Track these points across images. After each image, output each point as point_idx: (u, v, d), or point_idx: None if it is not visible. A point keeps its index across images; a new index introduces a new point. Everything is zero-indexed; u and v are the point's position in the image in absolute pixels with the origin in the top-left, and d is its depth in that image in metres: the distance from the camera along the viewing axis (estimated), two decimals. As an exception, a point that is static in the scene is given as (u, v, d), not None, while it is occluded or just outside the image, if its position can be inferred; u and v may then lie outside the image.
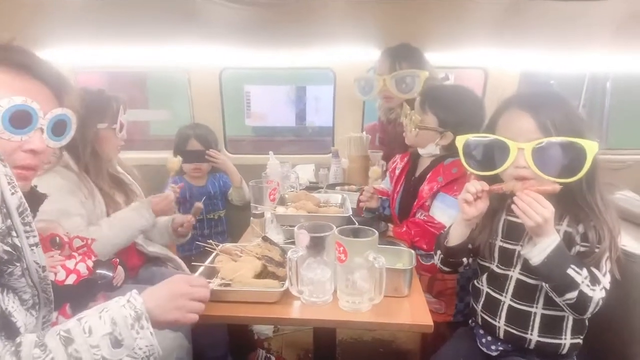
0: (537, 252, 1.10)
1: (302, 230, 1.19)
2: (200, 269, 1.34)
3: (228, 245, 1.50)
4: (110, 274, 1.19)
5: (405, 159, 1.91)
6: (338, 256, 1.17)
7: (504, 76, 2.65)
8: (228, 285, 1.27)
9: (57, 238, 1.14)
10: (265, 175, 2.02)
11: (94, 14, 1.79)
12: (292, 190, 2.06)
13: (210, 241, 1.50)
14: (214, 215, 2.55)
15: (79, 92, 1.07)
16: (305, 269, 1.20)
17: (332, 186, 2.52)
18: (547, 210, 1.06)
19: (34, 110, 0.94)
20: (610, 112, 3.52)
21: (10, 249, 0.84)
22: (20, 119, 0.92)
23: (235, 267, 1.33)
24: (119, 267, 1.23)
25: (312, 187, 2.39)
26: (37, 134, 0.96)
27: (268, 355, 2.31)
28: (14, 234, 0.85)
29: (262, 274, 1.34)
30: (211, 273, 1.36)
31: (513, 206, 1.11)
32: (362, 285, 1.18)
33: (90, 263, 1.16)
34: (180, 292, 1.00)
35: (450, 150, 1.75)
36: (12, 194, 0.85)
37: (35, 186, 1.04)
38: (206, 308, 1.21)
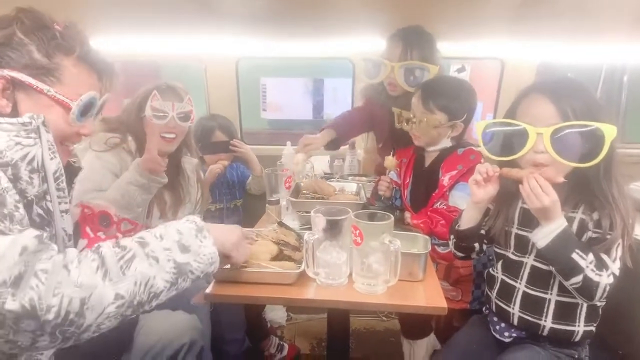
0: (542, 235, 1.13)
1: (319, 214, 1.21)
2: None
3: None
4: None
5: (411, 151, 1.92)
6: (354, 239, 1.19)
7: (521, 67, 2.61)
8: (244, 266, 1.29)
9: (107, 217, 1.15)
10: (280, 164, 2.03)
11: (106, 2, 1.78)
12: (307, 177, 2.07)
13: None
14: (231, 205, 2.56)
15: (115, 74, 1.11)
16: (322, 252, 1.22)
17: (345, 177, 2.52)
18: (548, 198, 1.09)
19: (95, 101, 1.02)
20: (627, 106, 3.46)
21: (43, 213, 0.89)
22: (86, 110, 1.00)
23: (251, 249, 1.35)
24: None
25: (326, 179, 2.39)
26: (90, 119, 1.04)
27: (281, 342, 2.33)
28: (48, 198, 0.90)
29: (278, 258, 1.35)
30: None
31: (520, 187, 1.14)
32: (378, 269, 1.20)
33: None
34: (237, 233, 1.13)
35: (458, 139, 1.77)
36: (51, 159, 0.90)
37: (74, 161, 1.11)
38: (223, 288, 1.25)
